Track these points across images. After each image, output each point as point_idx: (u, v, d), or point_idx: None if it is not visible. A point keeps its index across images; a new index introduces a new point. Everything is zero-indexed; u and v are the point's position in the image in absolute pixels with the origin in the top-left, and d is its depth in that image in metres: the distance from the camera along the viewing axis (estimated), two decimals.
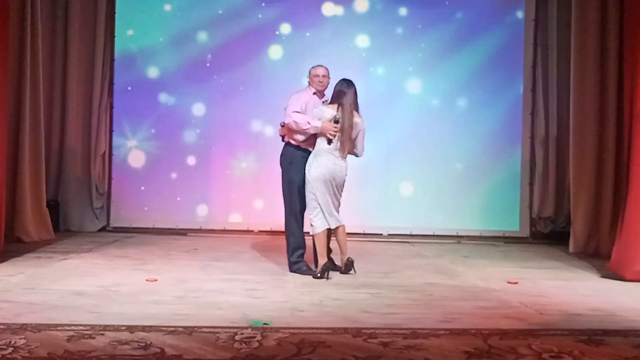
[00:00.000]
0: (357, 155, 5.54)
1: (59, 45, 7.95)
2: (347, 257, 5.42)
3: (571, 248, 7.02)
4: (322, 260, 5.33)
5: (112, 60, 8.15)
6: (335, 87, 5.45)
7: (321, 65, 5.62)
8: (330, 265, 5.38)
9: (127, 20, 8.14)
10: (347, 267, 5.42)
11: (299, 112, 5.36)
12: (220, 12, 8.20)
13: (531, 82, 8.24)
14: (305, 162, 5.39)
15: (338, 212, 5.44)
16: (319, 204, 5.32)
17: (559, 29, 8.01)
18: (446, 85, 8.23)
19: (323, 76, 5.54)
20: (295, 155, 5.50)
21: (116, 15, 8.12)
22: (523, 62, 8.24)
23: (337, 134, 5.29)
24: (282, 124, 5.54)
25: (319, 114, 5.35)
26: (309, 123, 5.32)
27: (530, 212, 8.23)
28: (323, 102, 5.56)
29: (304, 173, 5.37)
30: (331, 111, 5.32)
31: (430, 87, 8.27)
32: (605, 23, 6.80)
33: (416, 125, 8.17)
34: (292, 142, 5.51)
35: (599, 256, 6.58)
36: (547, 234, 8.11)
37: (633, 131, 5.59)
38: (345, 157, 5.42)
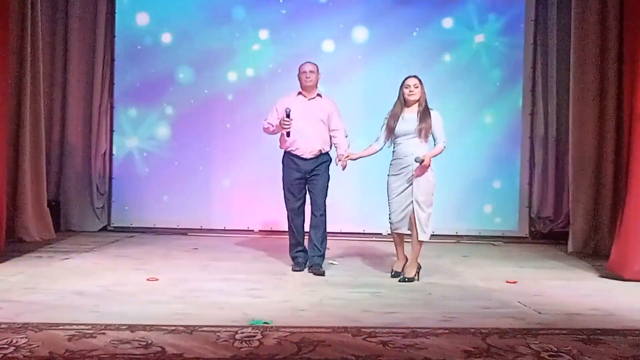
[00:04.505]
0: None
1: (60, 45, 7.95)
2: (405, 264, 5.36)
3: (570, 248, 7.03)
4: (398, 262, 5.40)
5: (113, 60, 8.15)
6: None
7: (308, 62, 5.64)
8: (414, 268, 5.32)
9: (127, 19, 8.15)
10: (398, 274, 5.38)
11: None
12: (221, 10, 8.21)
13: (531, 82, 8.24)
14: (288, 163, 5.62)
15: (419, 219, 5.17)
16: (393, 209, 5.30)
17: (559, 29, 8.01)
18: (445, 86, 8.22)
19: (310, 72, 5.57)
20: (283, 159, 5.73)
21: (116, 15, 8.12)
22: (523, 62, 8.24)
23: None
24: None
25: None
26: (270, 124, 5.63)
27: (530, 212, 8.23)
28: (309, 100, 5.59)
29: (284, 174, 5.65)
30: (413, 115, 5.44)
31: (429, 87, 8.22)
32: (605, 24, 6.79)
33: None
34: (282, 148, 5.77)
35: (598, 256, 6.59)
36: (546, 233, 8.11)
37: (632, 131, 5.60)
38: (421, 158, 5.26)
